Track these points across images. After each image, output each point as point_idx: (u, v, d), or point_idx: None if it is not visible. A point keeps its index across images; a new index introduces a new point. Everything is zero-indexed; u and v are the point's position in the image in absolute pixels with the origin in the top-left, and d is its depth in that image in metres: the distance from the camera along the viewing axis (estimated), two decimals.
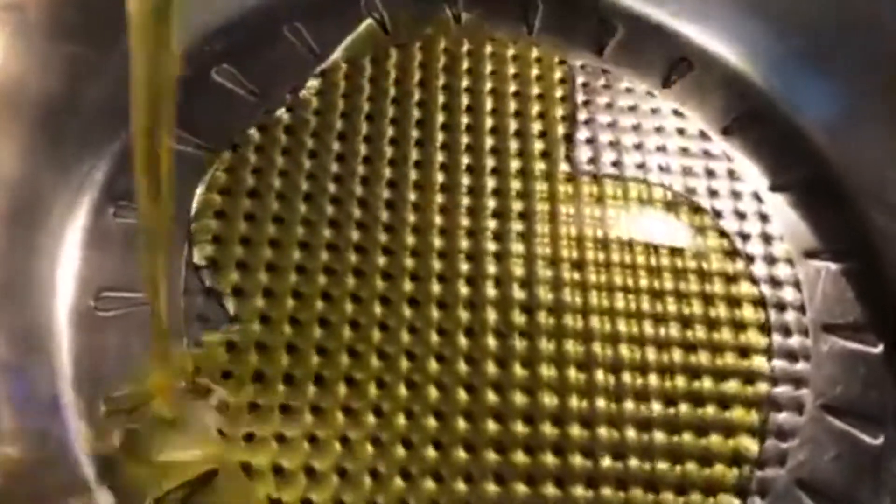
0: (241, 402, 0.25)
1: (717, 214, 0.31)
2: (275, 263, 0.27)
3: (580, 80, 0.33)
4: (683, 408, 0.26)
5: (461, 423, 0.25)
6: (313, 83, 0.31)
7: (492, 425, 0.25)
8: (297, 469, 0.24)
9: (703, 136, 0.33)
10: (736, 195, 0.31)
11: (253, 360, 0.25)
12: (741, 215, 0.31)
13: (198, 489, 0.23)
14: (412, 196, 0.29)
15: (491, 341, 0.27)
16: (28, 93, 0.26)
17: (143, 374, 0.24)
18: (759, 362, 0.28)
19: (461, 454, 0.25)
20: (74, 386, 0.24)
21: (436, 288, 0.27)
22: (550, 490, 0.25)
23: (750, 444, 0.26)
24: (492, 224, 0.29)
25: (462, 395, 0.26)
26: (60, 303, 0.25)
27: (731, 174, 0.32)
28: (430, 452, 0.25)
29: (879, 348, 0.29)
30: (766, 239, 0.30)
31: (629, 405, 0.26)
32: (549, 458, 0.25)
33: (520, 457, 0.25)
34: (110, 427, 0.24)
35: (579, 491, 0.25)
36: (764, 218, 0.31)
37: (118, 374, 0.25)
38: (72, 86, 0.27)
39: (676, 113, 0.33)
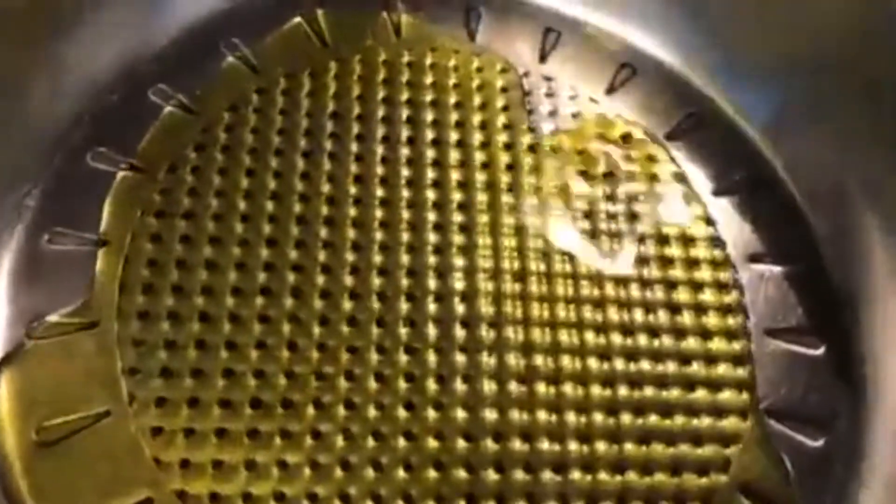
0: (175, 426, 0.25)
1: (660, 219, 0.31)
2: (211, 286, 0.27)
3: (525, 86, 0.33)
4: (625, 418, 0.27)
5: (401, 442, 0.25)
6: (252, 100, 0.31)
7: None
8: (235, 494, 0.24)
9: (648, 140, 0.33)
10: (681, 199, 0.31)
11: (188, 385, 0.25)
12: (686, 220, 0.31)
13: None
14: (352, 212, 0.29)
15: (431, 357, 0.27)
16: None
17: (75, 402, 0.24)
18: (699, 368, 0.28)
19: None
20: (7, 416, 0.24)
21: (376, 305, 0.27)
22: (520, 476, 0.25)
23: (690, 451, 0.26)
24: (432, 237, 0.29)
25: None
26: None
27: (677, 178, 0.32)
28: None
29: (821, 350, 0.29)
30: (711, 243, 0.31)
31: (570, 417, 0.26)
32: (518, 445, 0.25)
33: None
34: (42, 456, 0.24)
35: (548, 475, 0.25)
36: (708, 222, 0.31)
37: (52, 402, 0.24)
38: (1, 109, 0.27)
39: (621, 118, 0.33)
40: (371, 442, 0.25)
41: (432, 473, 0.25)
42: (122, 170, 0.29)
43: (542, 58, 0.34)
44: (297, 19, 0.33)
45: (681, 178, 0.32)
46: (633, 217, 0.31)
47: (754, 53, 0.33)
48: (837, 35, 0.31)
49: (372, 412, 0.25)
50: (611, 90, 0.34)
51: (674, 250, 0.30)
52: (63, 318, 0.26)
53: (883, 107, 0.30)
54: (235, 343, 0.26)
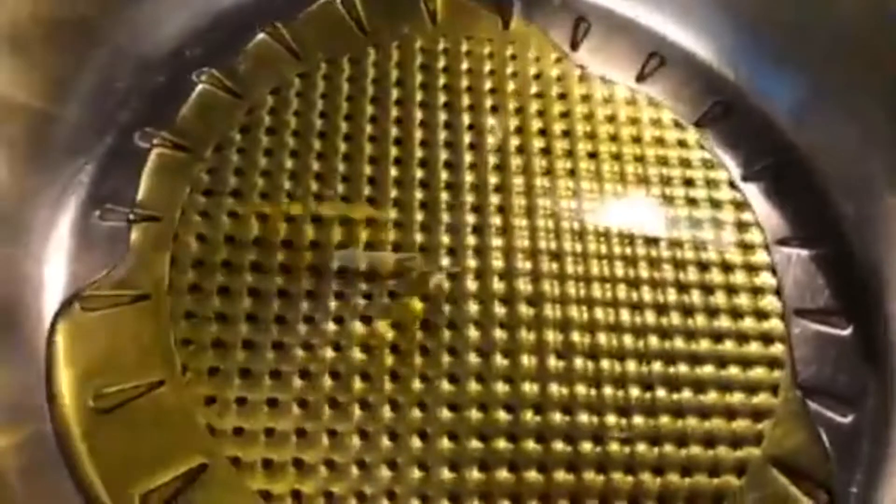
0: (228, 395, 0.25)
1: (692, 203, 0.31)
2: (260, 262, 0.28)
3: (555, 73, 0.34)
4: (660, 392, 0.27)
5: (445, 413, 0.26)
6: (294, 84, 0.32)
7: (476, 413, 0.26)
8: (287, 463, 0.25)
9: (677, 126, 0.33)
10: (711, 184, 0.32)
11: (240, 356, 0.26)
12: (716, 204, 0.32)
13: (187, 484, 0.24)
14: (393, 193, 0.30)
15: (472, 333, 0.27)
16: (12, 102, 0.27)
17: (130, 371, 0.25)
18: (732, 346, 0.29)
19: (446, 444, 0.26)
20: (65, 383, 0.25)
21: (418, 281, 0.28)
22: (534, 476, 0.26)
23: (724, 426, 0.27)
24: (470, 219, 0.30)
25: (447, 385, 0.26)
26: (47, 303, 0.26)
27: (706, 164, 0.33)
28: (417, 444, 0.25)
29: (848, 331, 0.30)
30: (740, 227, 0.31)
31: (608, 391, 0.27)
32: (532, 446, 0.26)
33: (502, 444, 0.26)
34: (99, 422, 0.24)
35: (561, 475, 0.26)
36: (738, 206, 0.32)
37: (107, 371, 0.25)
38: (55, 93, 0.28)
39: (651, 104, 0.34)
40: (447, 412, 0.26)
41: (476, 474, 0.26)
42: (169, 148, 0.29)
43: (574, 46, 0.35)
44: (337, 6, 0.34)
45: (710, 163, 0.33)
46: (665, 200, 0.31)
47: (780, 42, 0.34)
48: (862, 24, 0.31)
49: (416, 383, 0.26)
50: (640, 78, 0.35)
51: (705, 232, 0.31)
52: (116, 291, 0.26)
53: None
54: (284, 318, 0.27)
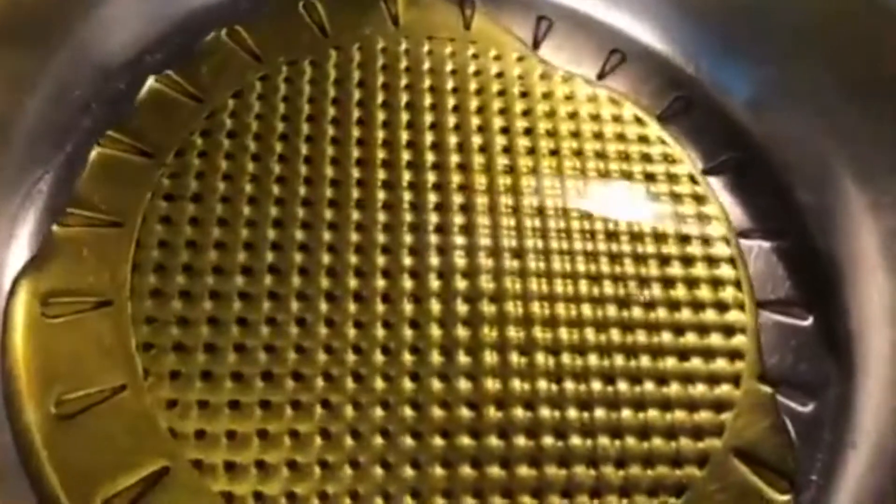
0: (190, 398, 0.25)
1: (654, 197, 0.32)
2: (220, 265, 0.28)
3: (517, 72, 0.34)
4: (622, 386, 0.28)
5: (407, 411, 0.26)
6: (255, 87, 0.32)
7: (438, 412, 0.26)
8: (249, 465, 0.25)
9: (638, 121, 0.34)
10: (672, 178, 0.33)
11: (201, 359, 0.26)
12: (677, 198, 0.32)
13: (149, 488, 0.24)
14: (355, 194, 0.30)
15: (435, 331, 0.28)
16: None
17: (92, 377, 0.25)
18: (694, 338, 0.29)
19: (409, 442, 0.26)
20: (26, 391, 0.25)
21: (380, 283, 0.28)
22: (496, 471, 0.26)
23: (686, 418, 0.27)
24: (433, 218, 0.30)
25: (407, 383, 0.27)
26: (8, 311, 0.26)
27: (667, 158, 0.33)
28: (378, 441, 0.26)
29: (809, 321, 0.30)
30: (701, 219, 0.32)
31: (569, 385, 0.27)
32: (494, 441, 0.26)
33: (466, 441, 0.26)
34: (61, 429, 0.24)
35: (524, 470, 0.26)
36: (699, 199, 0.32)
37: (69, 377, 0.25)
38: (13, 100, 0.28)
39: (612, 101, 0.34)
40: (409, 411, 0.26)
41: (439, 471, 0.26)
42: (130, 153, 0.29)
43: (536, 44, 0.35)
44: (298, 9, 0.34)
45: (671, 158, 0.33)
46: (626, 195, 0.32)
47: (738, 36, 0.34)
48: (821, 16, 0.32)
49: (378, 382, 0.26)
50: (602, 75, 0.35)
51: (666, 226, 0.31)
52: (78, 298, 0.26)
53: (867, 84, 0.31)
54: (246, 319, 0.27)
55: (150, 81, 0.31)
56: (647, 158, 0.33)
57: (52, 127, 0.29)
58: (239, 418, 0.25)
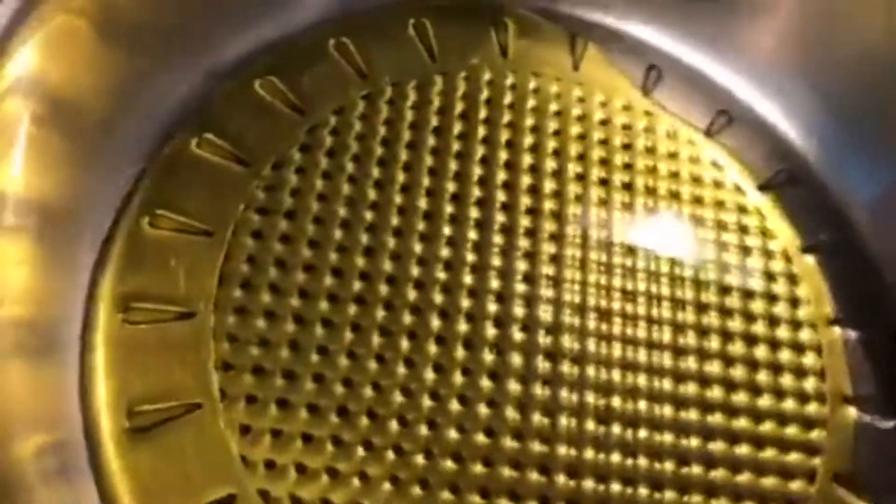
0: (263, 426, 0.25)
1: (747, 272, 0.31)
2: (307, 289, 0.27)
3: (621, 121, 0.33)
4: (695, 469, 0.27)
5: (478, 468, 0.26)
6: (358, 105, 0.31)
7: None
8: (314, 500, 0.24)
9: (738, 189, 0.33)
10: (767, 254, 0.32)
11: (279, 384, 0.26)
12: (770, 276, 0.31)
13: None
14: (447, 230, 0.29)
15: (513, 385, 0.27)
16: (78, 103, 0.26)
17: (168, 390, 0.25)
18: (771, 427, 0.28)
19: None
20: (102, 396, 0.24)
21: (462, 327, 0.28)
22: None
23: None
24: (522, 266, 0.29)
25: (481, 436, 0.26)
26: (91, 311, 0.26)
27: (764, 232, 0.32)
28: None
29: (890, 424, 0.29)
30: (792, 302, 0.31)
31: (642, 461, 0.27)
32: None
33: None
34: (132, 440, 0.24)
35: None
36: (792, 280, 0.31)
37: (145, 387, 0.25)
38: (120, 97, 0.27)
39: (714, 164, 0.33)
40: (448, 461, 0.26)
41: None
42: (227, 160, 0.29)
43: (644, 93, 0.34)
44: (408, 28, 0.33)
45: (767, 232, 0.32)
46: (719, 266, 0.31)
47: (861, 124, 0.33)
48: None
49: (451, 433, 0.26)
50: (708, 133, 0.34)
51: (756, 305, 0.30)
52: (161, 305, 0.26)
53: None
54: (326, 348, 0.26)
55: (255, 86, 0.31)
56: (744, 230, 0.32)
57: (152, 125, 0.28)
58: (310, 452, 0.25)
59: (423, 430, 0.26)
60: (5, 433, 0.23)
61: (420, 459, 0.25)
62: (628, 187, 0.32)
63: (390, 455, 0.25)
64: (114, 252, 0.27)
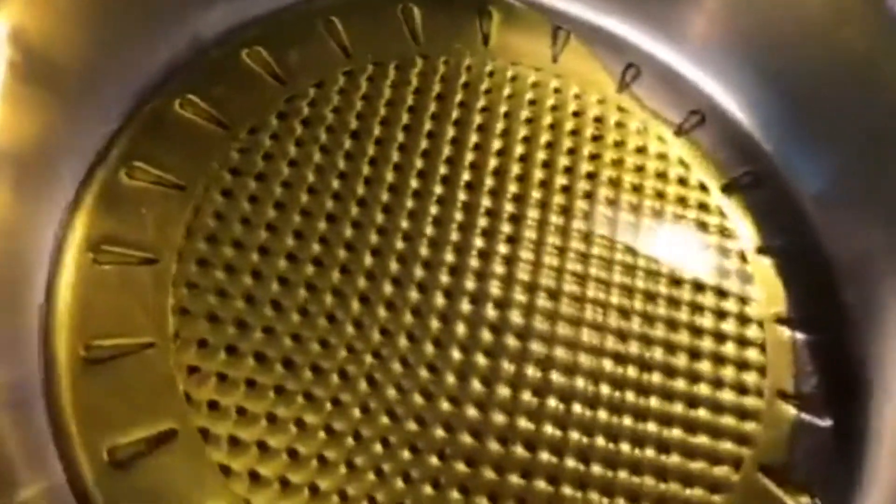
0: (211, 368, 0.27)
1: (701, 266, 0.32)
2: (268, 247, 0.29)
3: (594, 113, 0.34)
4: (624, 446, 0.28)
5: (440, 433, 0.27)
6: (338, 80, 0.33)
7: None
8: (252, 442, 0.26)
9: (702, 188, 0.34)
10: (723, 252, 0.33)
11: (230, 332, 0.27)
12: (724, 273, 0.32)
13: (154, 447, 0.25)
14: (409, 203, 0.31)
15: (429, 348, 0.28)
16: (60, 55, 0.28)
17: (125, 328, 0.26)
18: (706, 414, 0.29)
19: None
20: (61, 329, 0.26)
21: (413, 294, 0.29)
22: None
23: (679, 491, 0.28)
24: (478, 242, 0.30)
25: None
26: (61, 248, 0.27)
27: (722, 231, 0.33)
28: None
29: (827, 423, 0.30)
30: (742, 300, 0.32)
31: (573, 435, 0.28)
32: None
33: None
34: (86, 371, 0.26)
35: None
36: (744, 278, 0.32)
37: (103, 323, 0.27)
38: (105, 52, 0.29)
39: (681, 162, 0.34)
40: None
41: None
42: (207, 121, 0.31)
43: (620, 90, 0.35)
44: (396, 11, 0.35)
45: (727, 232, 0.33)
46: (673, 259, 0.32)
47: (819, 126, 0.34)
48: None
49: (390, 390, 0.27)
50: (678, 132, 0.35)
51: (706, 298, 0.31)
52: (129, 250, 0.28)
53: None
54: (279, 303, 0.28)
55: (242, 55, 0.32)
56: (703, 227, 0.33)
57: (139, 82, 0.30)
58: (252, 397, 0.26)
59: (363, 385, 0.27)
60: None
61: (357, 413, 0.27)
62: (592, 177, 0.33)
63: (328, 406, 0.27)
64: (89, 196, 0.28)
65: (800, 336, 0.31)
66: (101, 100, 0.29)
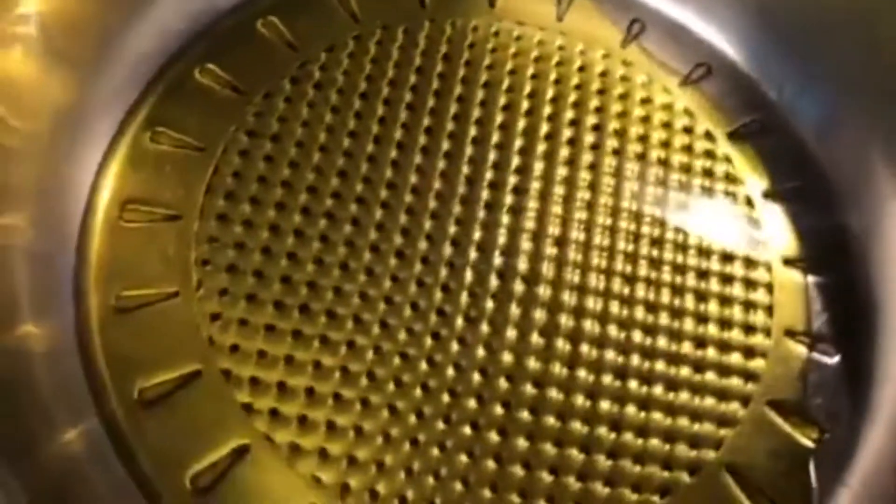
0: (232, 315, 0.28)
1: (708, 214, 0.33)
2: (283, 202, 0.30)
3: (599, 68, 0.35)
4: (632, 384, 0.29)
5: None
6: (348, 45, 0.34)
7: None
8: (272, 383, 0.27)
9: (708, 136, 0.34)
10: (730, 197, 0.33)
11: (249, 282, 0.29)
12: (731, 217, 0.33)
13: (179, 387, 0.27)
14: (417, 159, 0.32)
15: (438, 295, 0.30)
16: (88, 20, 0.30)
17: (151, 280, 0.28)
18: (713, 354, 0.30)
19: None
20: (93, 281, 0.28)
21: (423, 245, 0.30)
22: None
23: (686, 425, 0.29)
24: (485, 195, 0.31)
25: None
26: (91, 208, 0.29)
27: (729, 177, 0.34)
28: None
29: (835, 359, 0.31)
30: (749, 243, 0.32)
31: (581, 373, 0.29)
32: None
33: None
34: (116, 320, 0.28)
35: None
36: (752, 223, 0.33)
37: (131, 276, 0.28)
38: (129, 19, 0.31)
39: (687, 112, 0.35)
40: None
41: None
42: (224, 88, 0.32)
43: (624, 45, 0.36)
44: None
45: (734, 178, 0.34)
46: (681, 206, 0.33)
47: (817, 64, 0.34)
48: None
49: (402, 334, 0.29)
50: (684, 83, 0.36)
51: (713, 242, 0.32)
52: (153, 208, 0.29)
53: None
54: (295, 254, 0.29)
55: (257, 25, 0.34)
56: (709, 174, 0.34)
57: (160, 50, 0.32)
58: (271, 340, 0.28)
59: (377, 329, 0.29)
60: (8, 316, 0.26)
61: (371, 355, 0.28)
62: (597, 129, 0.34)
63: (343, 349, 0.28)
64: (116, 160, 0.30)
65: (807, 276, 0.32)
66: (125, 68, 0.31)
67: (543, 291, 0.30)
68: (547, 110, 0.34)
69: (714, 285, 0.31)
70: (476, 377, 0.28)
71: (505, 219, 0.31)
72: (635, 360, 0.29)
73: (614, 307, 0.30)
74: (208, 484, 0.26)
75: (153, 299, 0.28)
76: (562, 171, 0.32)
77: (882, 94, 0.32)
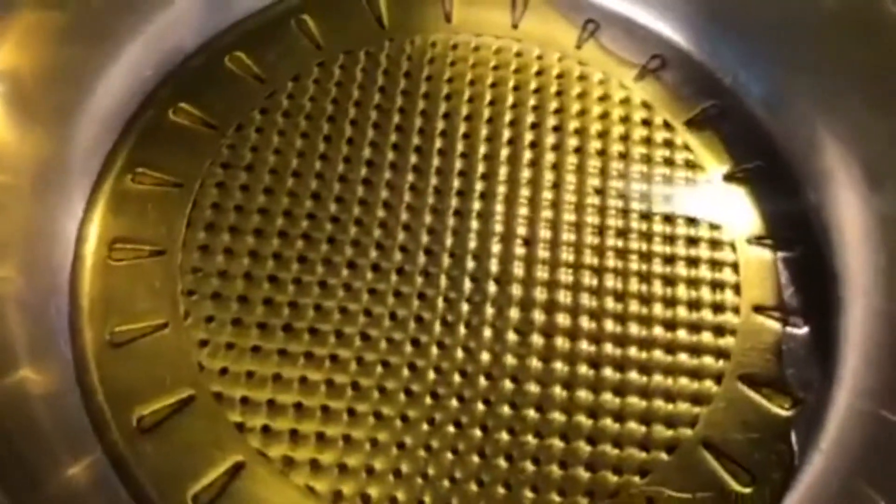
0: (220, 340, 0.30)
1: (669, 200, 0.34)
2: (261, 228, 0.32)
3: (556, 70, 0.36)
4: (606, 371, 0.30)
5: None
6: (313, 72, 0.35)
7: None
8: (262, 401, 0.29)
9: (667, 126, 0.36)
10: (690, 183, 0.34)
11: (233, 308, 0.30)
12: (692, 202, 0.34)
13: (176, 411, 0.28)
14: (386, 175, 0.33)
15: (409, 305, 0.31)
16: (59, 80, 0.32)
17: (142, 313, 0.30)
18: (684, 335, 0.31)
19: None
20: (86, 320, 0.30)
21: (398, 256, 0.32)
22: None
23: (662, 406, 0.30)
24: (453, 202, 0.33)
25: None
26: (80, 251, 0.31)
27: (688, 164, 0.35)
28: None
29: (804, 330, 0.32)
30: (712, 226, 0.33)
31: (558, 364, 0.30)
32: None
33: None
34: (111, 355, 0.29)
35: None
36: (714, 205, 0.34)
37: (123, 312, 0.30)
38: (102, 70, 0.33)
39: (644, 105, 0.36)
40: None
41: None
42: (197, 124, 0.34)
43: (579, 45, 0.37)
44: (362, 3, 0.38)
45: (693, 165, 0.35)
46: (643, 196, 0.34)
47: (770, 47, 0.36)
48: (842, 30, 0.33)
49: (382, 343, 0.30)
50: (640, 77, 0.37)
51: (677, 228, 0.33)
52: (138, 246, 0.31)
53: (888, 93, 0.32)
54: (276, 277, 0.31)
55: (225, 61, 0.36)
56: (669, 163, 0.35)
57: (133, 95, 0.34)
58: (258, 360, 0.29)
59: (358, 341, 0.30)
60: (4, 364, 0.28)
61: (354, 366, 0.30)
62: (557, 130, 0.35)
63: (327, 363, 0.30)
64: (100, 204, 0.32)
65: (776, 253, 0.33)
66: (101, 115, 0.32)
67: (516, 290, 0.31)
68: (508, 117, 0.35)
69: (681, 269, 0.32)
70: (456, 378, 0.30)
71: (474, 224, 0.33)
72: (608, 348, 0.31)
73: (584, 299, 0.31)
74: (208, 501, 0.27)
75: (145, 332, 0.30)
76: (526, 174, 0.34)
77: (820, 69, 0.33)
